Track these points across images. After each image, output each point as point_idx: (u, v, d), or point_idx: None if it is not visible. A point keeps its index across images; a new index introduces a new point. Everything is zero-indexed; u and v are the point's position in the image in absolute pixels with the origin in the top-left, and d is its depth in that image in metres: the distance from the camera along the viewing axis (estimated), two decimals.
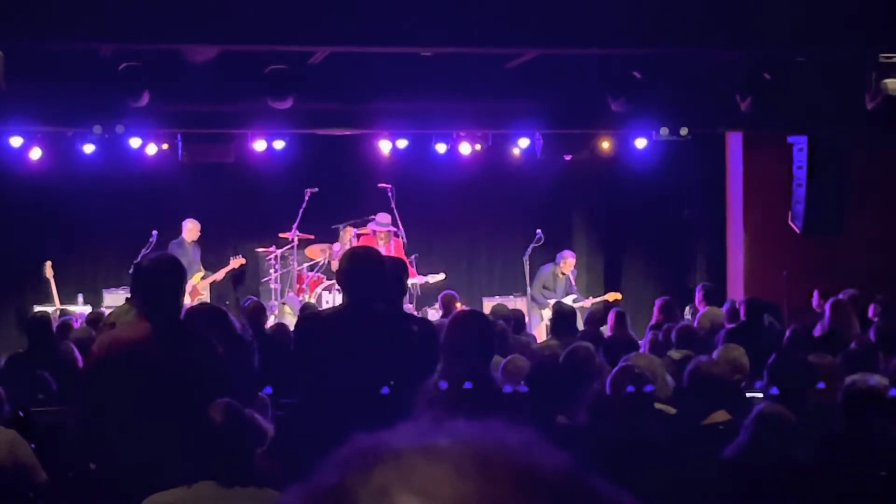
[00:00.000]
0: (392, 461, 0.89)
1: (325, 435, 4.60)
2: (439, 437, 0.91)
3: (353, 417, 4.62)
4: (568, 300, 16.03)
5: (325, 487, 0.90)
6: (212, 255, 16.18)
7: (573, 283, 16.37)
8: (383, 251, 15.24)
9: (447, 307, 12.31)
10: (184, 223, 15.77)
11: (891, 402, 5.91)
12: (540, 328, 15.45)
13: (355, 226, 16.06)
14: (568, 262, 16.25)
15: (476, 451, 0.89)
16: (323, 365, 5.61)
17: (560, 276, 16.23)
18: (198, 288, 15.53)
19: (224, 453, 4.41)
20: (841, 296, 11.01)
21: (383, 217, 15.65)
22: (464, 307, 15.16)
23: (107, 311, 12.61)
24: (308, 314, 8.38)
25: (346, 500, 0.87)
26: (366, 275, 5.71)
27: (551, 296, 16.06)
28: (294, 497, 0.91)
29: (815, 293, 13.06)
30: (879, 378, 7.17)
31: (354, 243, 15.43)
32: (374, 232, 15.57)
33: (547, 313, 15.87)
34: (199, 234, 15.84)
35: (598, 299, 16.37)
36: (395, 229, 15.80)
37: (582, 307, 16.22)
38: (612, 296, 16.49)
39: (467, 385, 5.36)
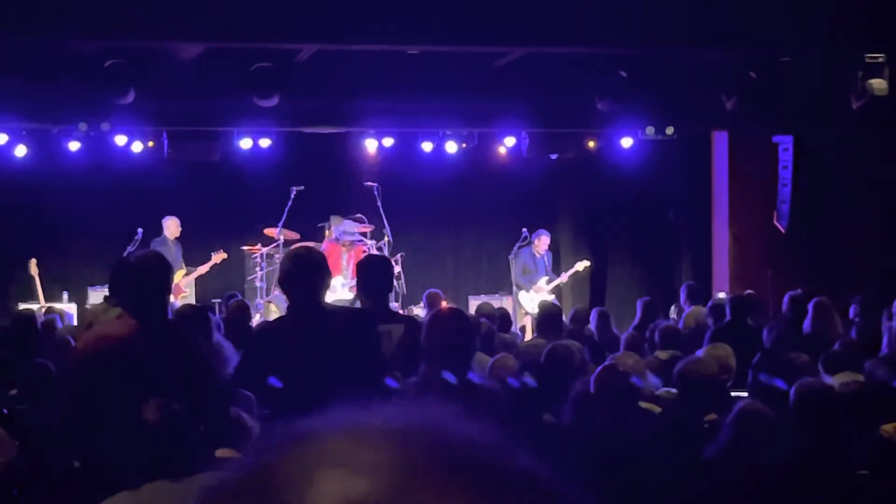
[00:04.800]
0: (314, 442, 0.91)
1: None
2: (366, 419, 0.93)
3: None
4: (543, 282, 16.09)
5: (248, 469, 0.92)
6: (197, 254, 16.15)
7: (548, 263, 16.40)
8: (345, 258, 15.26)
9: (432, 305, 12.32)
10: (164, 220, 15.72)
11: (843, 402, 5.94)
12: (525, 324, 15.46)
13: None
14: (543, 240, 16.32)
15: (400, 429, 0.91)
16: (279, 375, 5.51)
17: (537, 255, 16.29)
18: (180, 286, 15.49)
19: (164, 452, 4.36)
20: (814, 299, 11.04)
21: (349, 224, 15.59)
22: (449, 305, 15.20)
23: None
24: (254, 331, 8.25)
25: (267, 481, 0.89)
26: (308, 275, 5.63)
27: (534, 277, 16.14)
28: (218, 479, 0.93)
29: (799, 292, 13.08)
30: (840, 377, 7.23)
31: (329, 245, 15.39)
32: (338, 239, 15.52)
33: (527, 300, 15.92)
34: (180, 231, 15.82)
35: (570, 271, 16.46)
36: (359, 238, 15.73)
37: (559, 283, 16.35)
38: (581, 264, 16.57)
39: (448, 377, 5.34)
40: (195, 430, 4.63)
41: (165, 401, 4.56)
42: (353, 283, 14.81)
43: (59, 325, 10.59)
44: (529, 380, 6.65)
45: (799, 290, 11.64)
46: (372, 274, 6.65)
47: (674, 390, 7.04)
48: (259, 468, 0.90)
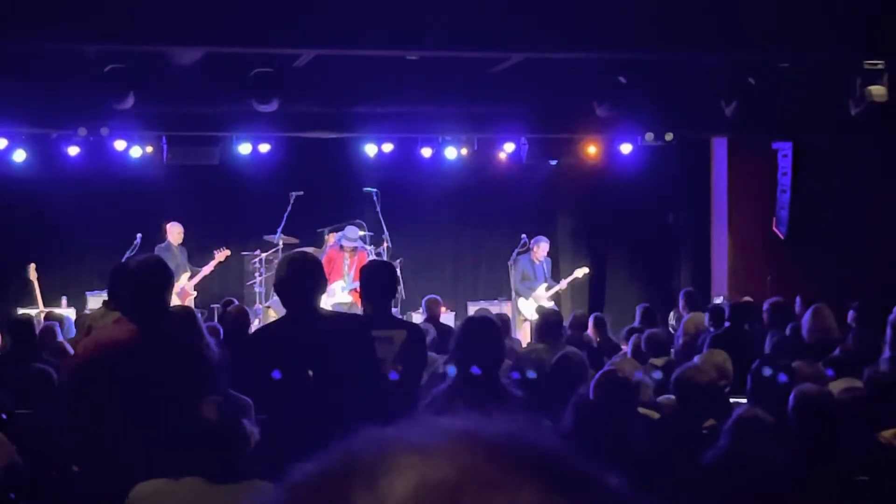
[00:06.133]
0: (389, 448, 0.92)
1: (306, 439, 4.60)
2: (441, 428, 0.94)
3: (318, 424, 4.58)
4: (542, 289, 16.07)
5: (328, 461, 0.94)
6: (197, 259, 16.15)
7: (546, 270, 16.38)
8: (347, 264, 15.25)
9: (431, 312, 12.32)
10: (168, 227, 15.75)
11: (842, 408, 5.94)
12: (524, 330, 15.46)
13: (339, 230, 16.03)
14: (542, 247, 16.29)
15: (471, 439, 0.92)
16: (276, 381, 5.50)
17: (536, 262, 16.27)
18: (186, 289, 15.50)
19: (213, 451, 4.42)
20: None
21: (352, 231, 15.58)
22: (447, 311, 15.20)
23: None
24: (250, 336, 8.22)
25: (346, 469, 0.91)
26: (303, 280, 5.63)
27: (533, 284, 16.12)
28: (297, 475, 0.94)
29: (798, 299, 13.10)
30: (840, 383, 7.23)
31: (331, 251, 15.37)
32: (342, 246, 15.50)
33: (526, 307, 15.90)
34: (182, 236, 15.84)
35: (569, 278, 16.45)
36: (362, 244, 15.71)
37: (558, 290, 16.35)
38: (581, 271, 16.56)
39: (475, 371, 5.36)
40: (242, 434, 4.66)
41: (225, 400, 4.60)
42: (354, 286, 14.82)
43: (59, 332, 10.56)
44: (531, 373, 6.66)
45: (779, 298, 11.66)
46: (375, 279, 6.64)
47: (672, 397, 7.04)
48: (338, 459, 0.92)
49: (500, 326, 6.34)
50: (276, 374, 5.39)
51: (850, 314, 11.36)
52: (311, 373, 5.36)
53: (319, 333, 5.51)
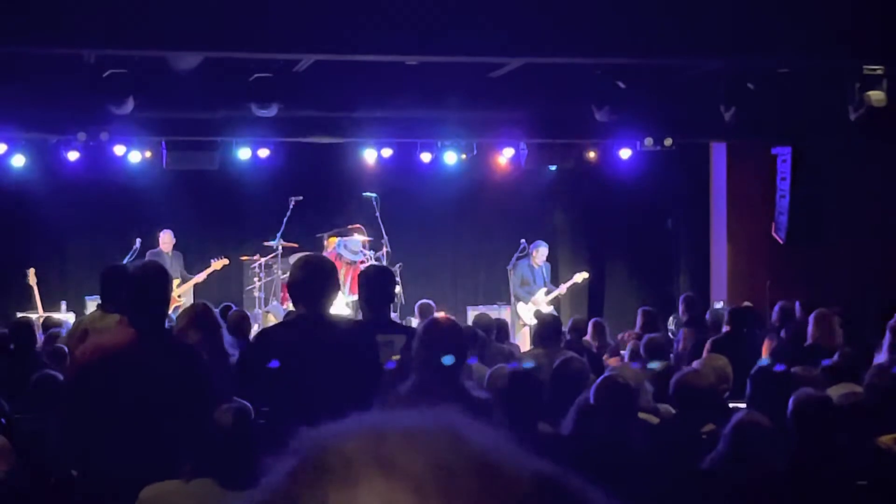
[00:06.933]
0: (341, 450, 0.88)
1: None
2: (386, 423, 0.90)
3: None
4: (541, 294, 16.07)
5: (280, 481, 0.89)
6: (196, 264, 16.15)
7: (546, 274, 16.37)
8: (343, 274, 15.23)
9: (424, 316, 12.30)
10: (160, 234, 15.81)
11: (840, 413, 5.94)
12: (523, 335, 15.45)
13: (339, 235, 16.02)
14: (541, 252, 16.28)
15: (422, 432, 0.89)
16: (281, 381, 5.50)
17: (535, 266, 16.26)
18: (174, 296, 15.47)
19: (228, 456, 4.42)
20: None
21: (354, 244, 15.55)
22: (447, 316, 15.15)
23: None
24: (258, 334, 8.24)
25: (301, 494, 0.87)
26: (317, 284, 5.63)
27: (532, 289, 16.11)
28: (255, 492, 0.91)
29: (797, 304, 13.10)
30: (839, 388, 7.23)
31: (332, 257, 15.37)
32: (339, 255, 15.48)
33: (526, 311, 15.89)
34: (173, 243, 15.86)
35: (569, 283, 16.43)
36: (362, 259, 15.67)
37: (558, 295, 16.34)
38: (580, 276, 16.55)
39: (447, 361, 5.34)
40: (255, 438, 4.67)
41: (243, 407, 4.61)
42: (350, 299, 14.81)
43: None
44: (528, 364, 6.67)
45: (784, 301, 11.65)
46: (373, 284, 6.64)
47: (668, 407, 7.05)
48: (290, 480, 0.88)
49: (463, 329, 6.29)
50: (274, 364, 5.38)
51: (835, 319, 11.37)
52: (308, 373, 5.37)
53: (325, 338, 5.52)
